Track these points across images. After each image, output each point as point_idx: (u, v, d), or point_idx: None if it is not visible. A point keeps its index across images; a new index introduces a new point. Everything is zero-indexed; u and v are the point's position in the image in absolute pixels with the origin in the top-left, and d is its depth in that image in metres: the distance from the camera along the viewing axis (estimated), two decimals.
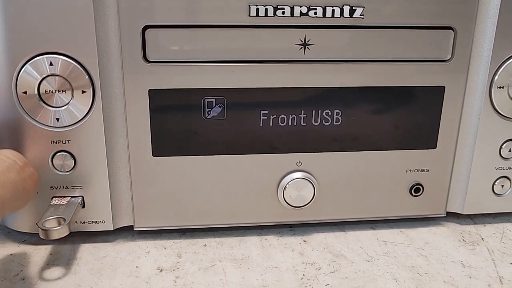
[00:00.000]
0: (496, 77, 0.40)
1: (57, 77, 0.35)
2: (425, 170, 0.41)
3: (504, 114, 0.41)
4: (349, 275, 0.36)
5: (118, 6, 0.34)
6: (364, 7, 0.36)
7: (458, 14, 0.38)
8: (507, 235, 0.42)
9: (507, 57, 0.39)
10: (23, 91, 0.35)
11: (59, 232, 0.34)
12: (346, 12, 0.36)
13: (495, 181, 0.43)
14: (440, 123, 0.40)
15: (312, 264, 0.37)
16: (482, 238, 0.42)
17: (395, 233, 0.42)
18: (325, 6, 0.36)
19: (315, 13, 0.36)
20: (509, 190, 0.43)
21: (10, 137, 0.36)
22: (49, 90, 0.35)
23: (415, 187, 0.42)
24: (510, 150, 0.42)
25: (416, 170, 0.41)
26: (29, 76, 0.35)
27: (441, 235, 0.42)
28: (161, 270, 0.36)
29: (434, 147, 0.41)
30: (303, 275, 0.36)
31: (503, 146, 0.42)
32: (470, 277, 0.36)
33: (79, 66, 0.35)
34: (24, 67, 0.35)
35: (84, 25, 0.34)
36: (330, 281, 0.36)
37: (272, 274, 0.36)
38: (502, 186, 0.43)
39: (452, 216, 0.44)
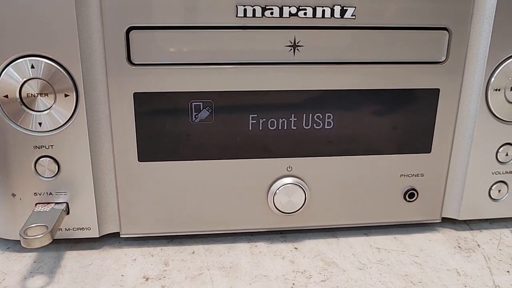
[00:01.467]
0: (493, 79, 0.38)
1: (39, 80, 0.34)
2: (420, 175, 0.40)
3: (501, 117, 0.40)
4: (340, 284, 0.35)
5: (101, 6, 0.33)
6: (355, 7, 0.35)
7: (453, 14, 0.37)
8: (504, 242, 0.41)
9: (504, 58, 0.38)
10: (4, 94, 0.34)
11: (41, 240, 0.33)
12: (337, 13, 0.35)
13: (492, 186, 0.41)
14: (434, 127, 0.39)
15: (302, 273, 0.36)
16: (478, 245, 0.41)
17: (389, 240, 0.41)
18: (315, 7, 0.35)
19: (305, 14, 0.35)
20: (506, 195, 0.42)
21: None
22: (31, 94, 0.34)
23: (409, 192, 0.41)
24: (507, 154, 0.41)
25: (410, 175, 0.40)
26: (10, 79, 0.34)
27: (436, 242, 0.41)
28: (147, 279, 0.35)
29: (429, 151, 0.40)
30: (293, 284, 0.35)
31: (499, 150, 0.40)
32: (465, 286, 0.35)
33: (61, 69, 0.34)
34: (5, 70, 0.34)
35: (66, 26, 0.33)
36: None
37: (261, 283, 0.35)
38: (499, 191, 0.42)
39: (448, 222, 0.43)
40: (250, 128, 0.37)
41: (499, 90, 0.39)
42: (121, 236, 0.39)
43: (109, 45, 0.34)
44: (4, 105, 0.34)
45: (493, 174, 0.41)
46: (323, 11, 0.35)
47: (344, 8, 0.35)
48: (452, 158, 0.40)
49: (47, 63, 0.34)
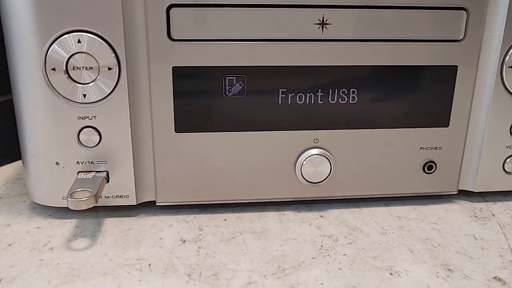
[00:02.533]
0: (508, 57, 0.41)
1: (84, 55, 0.36)
2: (438, 148, 0.43)
3: None
4: (366, 246, 0.37)
5: None
6: None
7: None
8: None
9: None
10: (52, 68, 0.36)
11: (87, 202, 0.36)
12: None
13: (506, 159, 0.44)
14: (452, 102, 0.42)
15: (329, 237, 0.39)
16: (493, 214, 0.43)
17: (409, 209, 0.43)
18: None
19: None
20: None
21: (39, 113, 0.38)
22: (77, 67, 0.37)
23: (428, 165, 0.43)
24: None
25: (429, 148, 0.43)
26: (57, 53, 0.36)
27: (453, 211, 0.43)
28: (184, 242, 0.38)
29: (447, 125, 0.42)
30: (321, 246, 0.37)
31: None
32: (482, 249, 0.38)
33: (105, 44, 0.36)
34: (53, 44, 0.36)
35: (111, 4, 0.35)
36: (348, 251, 0.37)
37: (291, 245, 0.37)
38: None
39: (464, 194, 0.46)
40: (280, 102, 0.40)
41: None
42: (157, 204, 0.41)
43: (150, 21, 0.37)
44: (52, 78, 0.37)
45: (507, 148, 0.43)
46: None
47: None
48: (468, 132, 0.43)
49: (92, 38, 0.36)
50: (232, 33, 0.38)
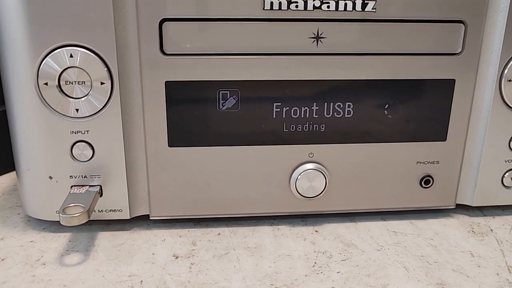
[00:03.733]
0: (506, 70, 0.40)
1: (76, 69, 0.36)
2: (435, 162, 0.42)
3: None
4: (360, 263, 0.37)
5: (137, 0, 0.35)
6: (376, 0, 0.37)
7: (469, 8, 0.38)
8: None
9: None
10: (44, 82, 0.36)
11: (79, 218, 0.35)
12: (358, 6, 0.37)
13: (505, 173, 0.43)
14: (450, 116, 0.41)
15: (323, 253, 0.38)
16: (491, 230, 0.42)
17: (405, 224, 0.43)
18: (338, 0, 0.37)
19: (328, 7, 0.37)
20: None
21: (32, 127, 0.37)
22: (69, 82, 0.37)
23: (425, 179, 0.42)
24: None
25: (426, 162, 0.42)
26: (50, 67, 0.36)
27: (451, 226, 0.43)
28: (176, 257, 0.37)
29: (444, 139, 0.42)
30: (315, 262, 0.37)
31: None
32: (479, 266, 0.37)
33: (98, 59, 0.36)
34: (45, 59, 0.36)
35: (104, 18, 0.35)
36: (342, 268, 0.36)
37: (285, 262, 0.37)
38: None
39: (462, 208, 0.45)
40: (274, 116, 0.39)
41: None
42: (150, 218, 0.41)
43: (143, 36, 0.36)
44: (44, 92, 0.37)
45: (506, 162, 0.43)
46: (345, 4, 0.37)
47: (365, 1, 0.37)
48: (466, 146, 0.42)
49: (84, 52, 0.36)
50: (225, 47, 0.37)
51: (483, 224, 0.43)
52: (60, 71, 0.36)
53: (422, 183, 0.42)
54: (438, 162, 0.42)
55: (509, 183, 0.43)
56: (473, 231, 0.42)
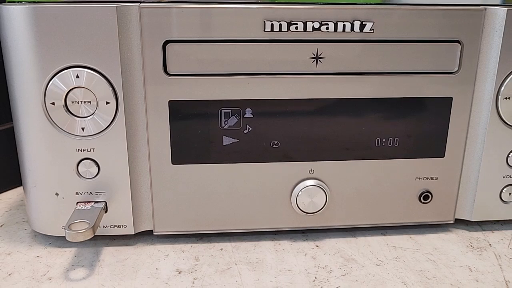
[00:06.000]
0: (503, 88, 0.41)
1: (83, 89, 0.37)
2: (434, 178, 0.43)
3: (511, 124, 0.42)
4: (359, 278, 0.38)
5: (141, 22, 0.37)
6: (374, 22, 0.38)
7: (465, 28, 0.39)
8: None
9: None
10: (51, 102, 0.37)
11: (85, 234, 0.36)
12: (357, 27, 0.38)
13: (503, 188, 0.44)
14: (448, 133, 0.42)
15: (324, 268, 0.39)
16: (490, 244, 0.43)
17: (405, 239, 0.44)
18: (337, 22, 0.38)
19: (327, 28, 0.38)
20: None
21: (39, 144, 0.39)
22: (75, 101, 0.38)
23: (424, 195, 0.43)
24: None
25: (425, 178, 0.43)
26: (57, 88, 0.37)
27: (450, 241, 0.43)
28: (179, 272, 0.38)
29: (443, 155, 0.42)
30: (315, 277, 0.38)
31: (510, 155, 0.43)
32: (476, 281, 0.38)
33: (103, 79, 0.37)
34: (53, 79, 0.37)
35: (109, 41, 0.36)
36: (341, 283, 0.37)
37: (286, 277, 0.38)
38: (510, 194, 0.44)
39: (461, 223, 0.46)
40: (275, 134, 0.40)
41: (509, 98, 0.41)
42: (154, 233, 0.42)
43: (147, 57, 0.37)
44: (51, 112, 0.38)
45: (504, 177, 0.43)
46: (344, 25, 0.38)
47: (363, 22, 0.38)
48: (464, 162, 0.43)
49: (90, 73, 0.37)
50: (227, 67, 0.38)
51: (482, 239, 0.44)
52: (67, 91, 0.37)
53: (421, 198, 0.43)
54: (436, 178, 0.43)
55: (507, 198, 0.44)
56: (471, 246, 0.43)
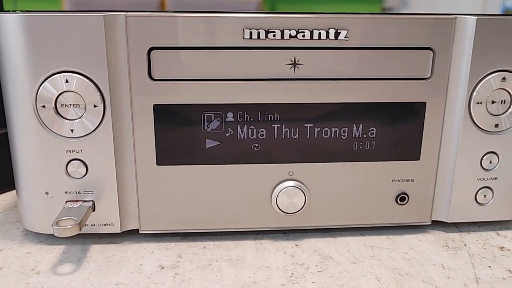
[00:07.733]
0: (475, 93, 0.43)
1: (72, 93, 0.40)
2: (410, 180, 0.45)
3: (484, 128, 0.44)
4: (335, 274, 0.39)
5: (127, 30, 0.39)
6: (348, 30, 0.40)
7: (437, 36, 0.41)
8: (490, 242, 0.45)
9: (484, 75, 0.42)
10: (42, 105, 0.40)
11: (71, 230, 0.38)
12: (332, 35, 0.40)
13: (478, 191, 0.45)
14: (422, 136, 0.44)
15: (301, 265, 0.41)
16: (465, 244, 0.44)
17: (383, 239, 0.45)
18: (313, 30, 0.40)
19: (303, 36, 0.40)
20: (491, 200, 0.46)
21: (30, 146, 0.41)
22: (65, 105, 0.40)
23: (400, 196, 0.45)
24: (490, 162, 0.45)
25: (401, 180, 0.44)
26: (47, 92, 0.39)
27: (426, 241, 0.45)
28: (162, 268, 0.40)
29: (418, 158, 0.44)
30: (292, 273, 0.39)
31: (483, 158, 0.44)
32: (448, 278, 0.39)
33: (91, 83, 0.39)
34: (43, 84, 0.39)
35: (97, 47, 0.39)
36: (317, 279, 0.39)
37: (264, 273, 0.39)
38: (485, 196, 0.45)
39: (439, 225, 0.47)
40: (255, 137, 0.42)
41: (480, 103, 0.43)
42: (140, 232, 0.44)
43: (133, 63, 0.40)
44: (42, 114, 0.40)
45: (478, 180, 0.45)
46: (320, 33, 0.40)
47: (338, 30, 0.40)
48: (439, 165, 0.44)
49: (79, 78, 0.39)
50: (209, 73, 0.40)
51: (458, 240, 0.45)
52: (57, 95, 0.39)
53: (398, 200, 0.45)
54: (412, 180, 0.45)
55: (482, 200, 0.46)
56: (447, 246, 0.44)
